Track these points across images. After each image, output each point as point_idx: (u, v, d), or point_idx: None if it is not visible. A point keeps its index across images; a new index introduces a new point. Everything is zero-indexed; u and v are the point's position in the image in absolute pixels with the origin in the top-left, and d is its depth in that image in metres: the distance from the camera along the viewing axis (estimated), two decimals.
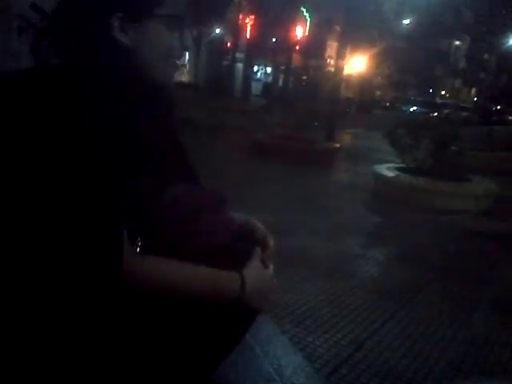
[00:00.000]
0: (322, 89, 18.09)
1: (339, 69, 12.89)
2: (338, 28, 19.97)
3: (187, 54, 29.93)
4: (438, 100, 35.84)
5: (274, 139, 9.06)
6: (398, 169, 7.05)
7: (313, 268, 3.84)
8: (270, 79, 31.06)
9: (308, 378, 2.25)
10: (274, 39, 26.35)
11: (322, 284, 3.52)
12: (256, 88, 28.20)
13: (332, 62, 20.94)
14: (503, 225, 5.75)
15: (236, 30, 26.45)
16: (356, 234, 4.95)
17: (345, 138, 13.54)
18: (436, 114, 15.84)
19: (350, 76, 25.67)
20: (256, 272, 1.02)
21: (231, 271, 0.97)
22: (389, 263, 4.28)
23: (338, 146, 9.71)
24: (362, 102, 28.53)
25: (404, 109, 27.57)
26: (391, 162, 7.53)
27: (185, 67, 30.28)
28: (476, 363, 2.68)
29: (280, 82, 27.22)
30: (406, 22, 28.26)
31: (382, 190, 6.65)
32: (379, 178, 6.82)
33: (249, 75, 27.11)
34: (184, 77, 29.67)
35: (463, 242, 5.04)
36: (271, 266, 1.13)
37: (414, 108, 27.99)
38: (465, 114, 18.61)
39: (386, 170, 6.97)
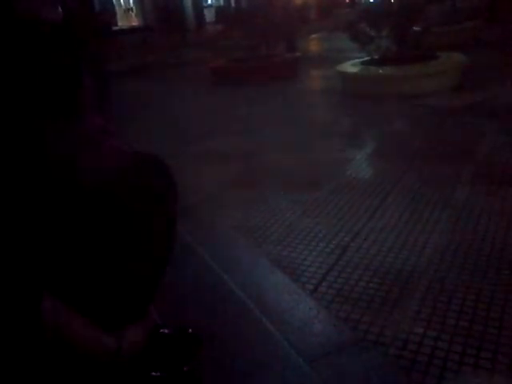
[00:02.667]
0: (276, 1, 17.24)
1: None
2: None
3: None
4: None
5: (231, 63, 8.69)
6: (362, 63, 6.78)
7: (289, 181, 3.70)
8: (221, 2, 29.67)
9: (293, 295, 2.16)
10: None
11: (298, 196, 3.40)
12: (209, 15, 26.95)
13: None
14: (476, 96, 5.57)
15: None
16: (329, 136, 4.78)
17: (307, 46, 13.05)
18: None
19: None
20: (137, 337, 0.98)
21: (109, 336, 0.93)
22: (367, 159, 4.14)
23: (298, 54, 9.32)
24: (321, 4, 27.41)
25: (364, 1, 26.57)
26: (356, 58, 7.24)
27: (131, 11, 28.81)
28: (459, 245, 2.59)
29: (232, 3, 25.99)
30: None
31: (349, 88, 6.41)
32: (345, 76, 6.56)
33: (199, 3, 25.80)
34: (133, 20, 28.28)
35: (438, 121, 4.88)
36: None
37: None
38: None
39: (351, 67, 6.69)
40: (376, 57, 6.66)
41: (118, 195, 0.89)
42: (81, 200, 0.86)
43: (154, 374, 0.97)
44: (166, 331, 1.10)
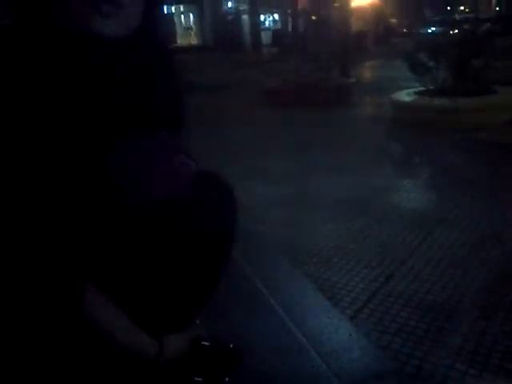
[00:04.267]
0: (333, 26, 17.38)
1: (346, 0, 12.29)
2: None
3: (191, 16, 29.31)
4: (457, 16, 34.09)
5: (286, 85, 8.80)
6: (417, 93, 6.73)
7: (337, 205, 3.70)
8: (278, 26, 30.14)
9: (332, 319, 2.16)
10: None
11: (347, 221, 3.40)
12: (266, 37, 27.41)
13: None
14: None
15: None
16: (380, 165, 4.76)
17: (362, 72, 13.06)
18: (456, 31, 15.03)
19: (360, 7, 24.60)
20: (178, 345, 1.01)
21: (152, 339, 0.95)
22: (416, 189, 4.09)
23: (353, 80, 9.35)
24: (378, 33, 27.40)
25: (422, 31, 26.33)
26: (411, 87, 7.19)
27: (191, 29, 29.71)
28: (508, 283, 2.52)
29: (289, 27, 26.37)
30: None
31: (402, 117, 6.35)
32: (399, 104, 6.53)
33: (256, 25, 26.32)
34: (192, 39, 29.15)
35: (490, 157, 4.78)
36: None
37: (433, 29, 26.70)
38: (487, 25, 17.58)
39: (406, 96, 6.66)
40: (432, 88, 6.61)
41: (182, 210, 0.93)
42: (144, 212, 0.90)
43: (196, 379, 1.01)
44: (207, 344, 1.14)
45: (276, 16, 31.35)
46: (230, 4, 28.38)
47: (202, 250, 0.97)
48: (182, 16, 29.38)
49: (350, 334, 2.02)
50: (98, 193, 0.87)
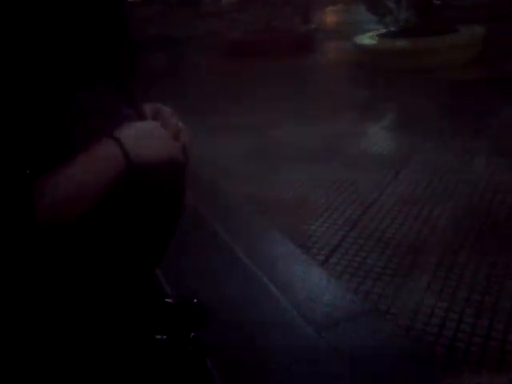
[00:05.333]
0: None
1: None
2: None
3: None
4: None
5: (246, 36, 8.57)
6: (379, 35, 6.63)
7: (301, 154, 3.66)
8: None
9: (303, 265, 2.16)
10: None
11: (313, 168, 3.36)
12: None
13: None
14: (494, 71, 5.43)
15: None
16: (343, 110, 4.70)
17: (323, 18, 12.80)
18: None
19: None
20: (138, 129, 0.84)
21: (102, 140, 0.79)
22: (381, 133, 4.07)
23: (314, 27, 9.15)
24: None
25: None
26: (373, 30, 7.08)
27: None
28: (474, 218, 2.55)
29: None
30: None
31: (365, 61, 6.28)
32: (361, 48, 6.43)
33: None
34: None
35: (454, 96, 4.78)
36: (164, 111, 0.92)
37: None
38: None
39: (368, 39, 6.56)
40: (394, 29, 6.52)
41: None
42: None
43: (158, 336, 0.97)
44: (171, 301, 1.09)
45: None
46: None
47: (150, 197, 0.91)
48: None
49: (321, 279, 2.02)
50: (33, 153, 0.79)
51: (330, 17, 14.14)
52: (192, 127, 4.04)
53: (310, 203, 2.90)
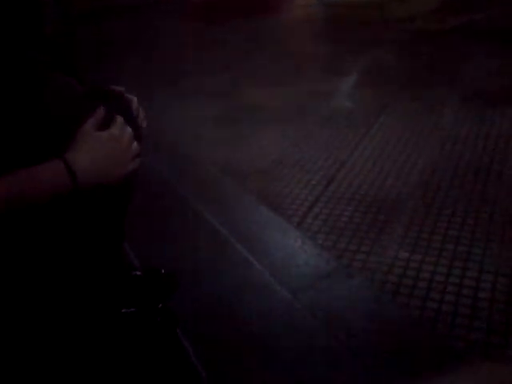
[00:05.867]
0: None
1: None
2: None
3: None
4: None
5: None
6: None
7: (272, 115, 3.61)
8: None
9: (277, 228, 2.15)
10: None
11: (283, 130, 3.32)
12: None
13: None
14: (462, 18, 5.38)
15: None
16: (312, 67, 4.63)
17: None
18: None
19: None
20: (89, 146, 0.79)
21: (51, 161, 0.76)
22: (351, 89, 4.03)
23: None
24: None
25: None
26: None
27: None
28: (445, 171, 2.57)
29: None
30: None
31: (330, 15, 6.16)
32: (326, 2, 6.30)
33: None
34: None
35: (424, 46, 4.74)
36: (117, 123, 0.84)
37: None
38: None
39: None
40: None
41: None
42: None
43: (124, 310, 0.95)
44: (138, 273, 1.07)
45: None
46: None
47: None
48: None
49: (296, 241, 2.02)
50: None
51: None
52: (163, 92, 3.90)
53: (283, 165, 2.87)
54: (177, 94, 4.37)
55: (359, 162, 2.76)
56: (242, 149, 3.15)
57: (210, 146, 3.24)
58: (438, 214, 2.16)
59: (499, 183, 2.35)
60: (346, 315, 1.50)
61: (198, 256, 1.88)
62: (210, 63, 5.32)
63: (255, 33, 6.52)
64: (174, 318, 1.05)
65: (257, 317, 1.46)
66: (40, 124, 0.77)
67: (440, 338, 1.52)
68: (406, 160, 2.69)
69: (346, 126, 3.25)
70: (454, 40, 4.76)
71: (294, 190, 2.59)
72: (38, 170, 0.76)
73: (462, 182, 2.40)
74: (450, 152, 2.71)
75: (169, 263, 1.52)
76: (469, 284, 1.74)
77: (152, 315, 0.98)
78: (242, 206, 2.39)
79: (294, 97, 3.93)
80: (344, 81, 4.21)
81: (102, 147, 0.80)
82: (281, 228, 2.16)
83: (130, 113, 0.94)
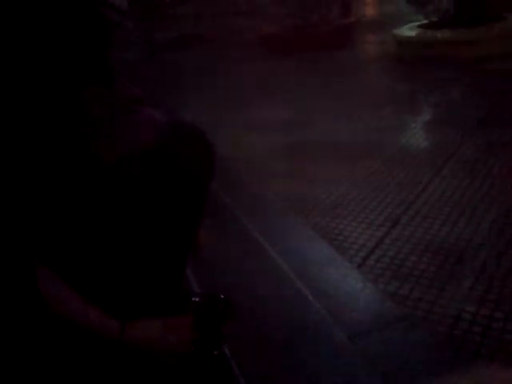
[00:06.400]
0: None
1: None
2: None
3: None
4: None
5: (284, 31, 8.48)
6: (420, 26, 6.43)
7: (340, 151, 3.59)
8: None
9: (338, 268, 2.11)
10: None
11: (349, 167, 3.29)
12: None
13: None
14: None
15: None
16: (383, 104, 4.58)
17: (362, 10, 12.54)
18: None
19: None
20: (144, 330, 0.89)
21: (113, 319, 0.87)
22: (422, 128, 3.95)
23: (353, 20, 8.98)
24: None
25: None
26: (414, 21, 6.86)
27: None
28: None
29: None
30: None
31: (406, 53, 6.08)
32: (401, 40, 6.25)
33: None
34: None
35: (500, 88, 4.57)
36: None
37: None
38: None
39: (407, 30, 6.38)
40: (434, 19, 6.31)
41: (151, 167, 0.84)
42: (107, 172, 0.82)
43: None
44: (197, 299, 1.06)
45: None
46: None
47: (173, 215, 0.89)
48: None
49: (357, 283, 1.97)
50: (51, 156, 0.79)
51: (370, 8, 13.87)
52: (226, 123, 4.00)
53: (347, 202, 2.83)
54: (245, 122, 4.45)
55: (427, 204, 2.68)
56: (306, 183, 3.14)
57: (274, 178, 3.25)
58: (509, 268, 2.05)
59: None
60: (403, 370, 1.43)
61: (257, 288, 1.87)
62: (283, 96, 5.39)
63: (327, 67, 6.57)
64: (229, 365, 1.05)
65: (312, 359, 1.43)
66: None
67: None
68: (478, 206, 2.57)
69: (415, 166, 3.18)
70: None
71: (357, 229, 2.55)
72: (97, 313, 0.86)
73: None
74: None
75: (226, 291, 1.53)
76: None
77: (208, 361, 0.98)
78: (303, 242, 2.37)
79: (362, 133, 3.89)
80: (415, 119, 4.14)
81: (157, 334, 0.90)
82: (342, 268, 2.12)
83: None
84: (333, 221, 2.65)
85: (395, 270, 2.14)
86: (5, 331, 0.79)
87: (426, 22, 6.45)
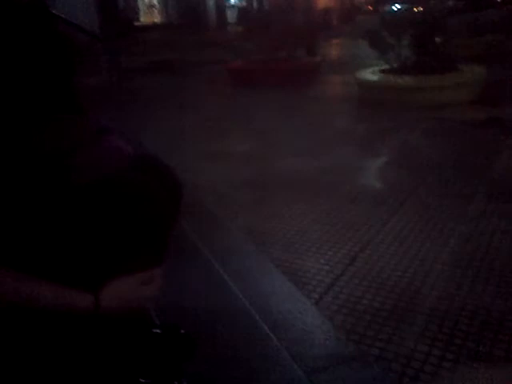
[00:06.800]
0: (299, 5, 17.15)
1: None
2: None
3: None
4: None
5: (249, 64, 8.67)
6: (381, 71, 6.71)
7: (300, 187, 3.66)
8: (244, 4, 29.67)
9: (296, 303, 2.13)
10: None
11: (311, 203, 3.36)
12: (232, 16, 26.94)
13: None
14: (495, 111, 5.47)
15: None
16: (343, 144, 4.72)
17: (327, 51, 12.98)
18: (420, 8, 14.99)
19: None
20: (118, 292, 0.89)
21: (84, 292, 0.85)
22: (380, 169, 4.09)
23: (318, 59, 9.28)
24: (343, 11, 27.30)
25: (387, 9, 26.34)
26: (376, 65, 7.16)
27: (155, 8, 28.94)
28: (471, 260, 2.54)
29: (255, 5, 25.95)
30: None
31: (366, 96, 6.34)
32: (363, 83, 6.50)
33: (221, 3, 25.82)
34: (156, 18, 28.39)
35: (452, 135, 4.81)
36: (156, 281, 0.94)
37: (398, 6, 26.72)
38: (450, 2, 17.69)
39: (370, 74, 6.63)
40: (395, 65, 6.60)
41: (113, 195, 0.85)
42: (72, 197, 0.82)
43: (142, 381, 0.94)
44: (158, 331, 1.06)
45: None
46: None
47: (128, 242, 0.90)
48: None
49: (314, 319, 1.99)
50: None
51: (335, 50, 14.37)
52: (190, 153, 4.03)
53: (306, 238, 2.88)
54: (207, 154, 4.49)
55: (383, 243, 2.76)
56: (268, 216, 3.18)
57: (236, 210, 3.28)
58: (460, 309, 2.12)
59: None
60: None
61: (215, 322, 1.87)
62: (244, 129, 5.47)
63: (292, 105, 6.72)
64: None
65: None
66: None
67: None
68: (430, 249, 2.67)
69: (373, 206, 3.27)
70: (481, 132, 4.81)
71: (316, 265, 2.59)
72: (65, 293, 0.84)
73: (487, 277, 2.36)
74: (477, 245, 2.68)
75: (185, 326, 1.52)
76: None
77: None
78: (263, 276, 2.39)
79: (321, 171, 3.99)
80: (373, 160, 4.28)
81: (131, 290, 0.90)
82: (300, 303, 2.15)
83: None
84: (292, 256, 2.69)
85: (351, 307, 2.19)
86: None
87: (387, 67, 6.74)
